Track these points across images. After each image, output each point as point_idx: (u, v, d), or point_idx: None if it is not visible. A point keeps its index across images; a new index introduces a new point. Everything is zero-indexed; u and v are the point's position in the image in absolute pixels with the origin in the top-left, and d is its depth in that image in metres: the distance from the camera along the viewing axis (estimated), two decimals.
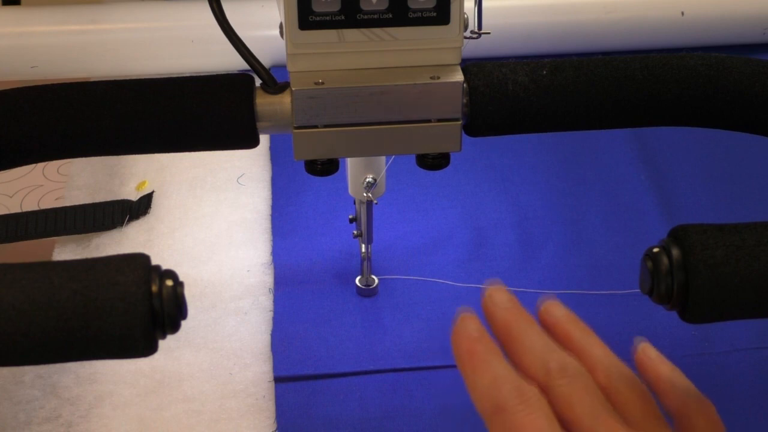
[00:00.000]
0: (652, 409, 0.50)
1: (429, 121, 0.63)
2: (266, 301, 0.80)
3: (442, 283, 0.81)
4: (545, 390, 0.49)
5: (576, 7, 1.06)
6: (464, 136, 0.64)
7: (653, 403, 0.50)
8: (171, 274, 0.52)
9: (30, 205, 1.12)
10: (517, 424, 0.47)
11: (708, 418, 0.50)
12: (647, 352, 0.53)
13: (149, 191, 0.90)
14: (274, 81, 0.62)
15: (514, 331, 0.51)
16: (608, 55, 0.65)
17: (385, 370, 0.75)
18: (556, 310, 0.53)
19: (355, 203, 0.77)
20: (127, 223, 0.86)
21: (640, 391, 0.51)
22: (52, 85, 0.61)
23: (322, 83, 0.61)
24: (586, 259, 0.84)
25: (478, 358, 0.49)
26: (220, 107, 0.61)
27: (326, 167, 0.65)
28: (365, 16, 0.59)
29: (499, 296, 0.53)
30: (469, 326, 0.51)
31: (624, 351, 0.75)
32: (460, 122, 0.63)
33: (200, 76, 0.62)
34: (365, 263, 0.80)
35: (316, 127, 0.62)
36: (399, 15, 0.60)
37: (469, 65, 0.63)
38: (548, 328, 0.53)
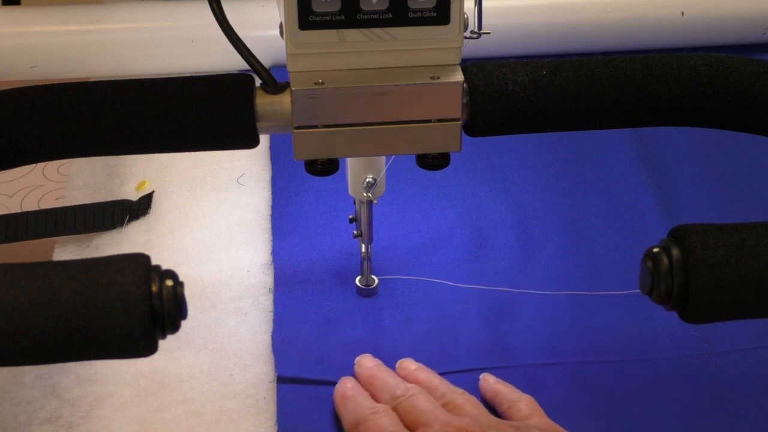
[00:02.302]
0: (475, 406, 0.68)
1: (429, 121, 0.63)
2: (266, 302, 0.80)
3: (442, 283, 0.81)
4: (395, 409, 0.67)
5: (576, 7, 1.06)
6: (464, 136, 0.64)
7: (478, 403, 0.68)
8: (171, 274, 0.52)
9: (30, 205, 1.11)
10: (370, 427, 0.65)
11: (527, 403, 0.68)
12: (484, 378, 0.72)
13: (149, 191, 0.90)
14: (274, 81, 0.62)
15: (374, 379, 0.70)
16: (608, 55, 0.65)
17: None
18: (409, 363, 0.73)
19: (355, 203, 0.77)
20: (127, 223, 0.86)
21: (468, 398, 0.68)
22: (52, 85, 0.61)
23: (322, 83, 0.61)
24: (586, 259, 0.84)
25: (347, 396, 0.69)
26: (220, 107, 0.61)
27: (326, 167, 0.65)
28: (365, 16, 0.59)
29: (365, 360, 0.73)
30: (345, 381, 0.71)
31: (624, 351, 0.76)
32: (460, 122, 0.63)
33: (200, 76, 0.62)
34: (365, 263, 0.80)
35: (316, 127, 0.62)
36: (399, 15, 0.60)
37: (469, 65, 0.63)
38: (403, 377, 0.71)
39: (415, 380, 0.71)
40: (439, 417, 0.65)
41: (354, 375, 0.72)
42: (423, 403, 0.67)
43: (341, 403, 0.69)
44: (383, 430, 0.65)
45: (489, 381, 0.71)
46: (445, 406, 0.68)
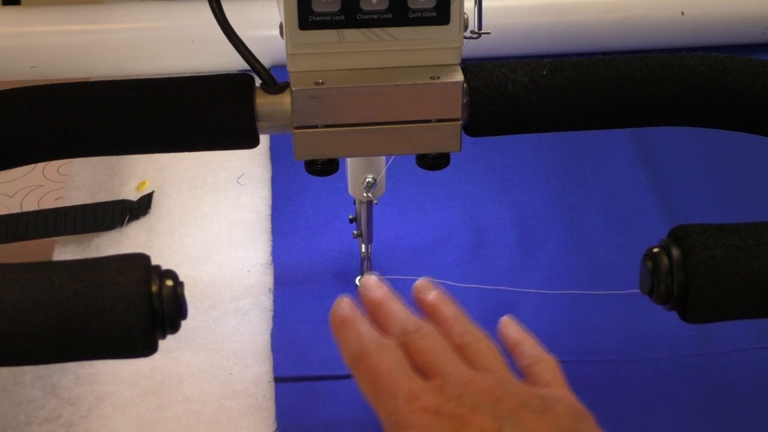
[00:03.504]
0: (497, 358, 0.59)
1: (429, 121, 0.63)
2: (266, 301, 0.80)
3: (442, 283, 0.81)
4: (403, 346, 0.57)
5: (576, 7, 1.06)
6: (464, 136, 0.64)
7: (499, 355, 0.59)
8: (171, 274, 0.52)
9: (30, 205, 1.12)
10: (373, 365, 0.56)
11: (549, 366, 0.60)
12: (507, 323, 0.63)
13: (149, 191, 0.90)
14: (274, 81, 0.62)
15: (382, 306, 0.61)
16: (608, 55, 0.65)
17: None
18: (427, 290, 0.63)
19: (355, 203, 0.77)
20: (127, 223, 0.86)
21: (488, 346, 0.59)
22: (52, 85, 0.61)
23: (322, 83, 0.61)
24: (586, 259, 0.84)
25: (348, 323, 0.59)
26: (220, 107, 0.61)
27: (326, 167, 0.65)
28: (365, 16, 0.60)
29: (370, 281, 0.63)
30: (343, 303, 0.60)
31: (624, 351, 0.76)
32: (460, 122, 0.63)
33: (200, 76, 0.62)
34: (365, 263, 0.80)
35: (316, 127, 0.62)
36: (399, 15, 0.60)
37: (469, 65, 0.63)
38: (419, 305, 0.62)
39: (430, 310, 0.63)
40: (457, 367, 0.57)
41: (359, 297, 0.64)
42: (438, 347, 0.58)
43: (340, 328, 0.60)
44: (390, 370, 0.56)
45: (511, 328, 0.63)
46: (461, 348, 0.59)
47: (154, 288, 0.50)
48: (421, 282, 0.64)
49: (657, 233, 0.58)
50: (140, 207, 0.88)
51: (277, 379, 0.73)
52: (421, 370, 0.57)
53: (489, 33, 0.65)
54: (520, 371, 0.61)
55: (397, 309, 0.61)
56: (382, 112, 0.62)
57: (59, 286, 0.49)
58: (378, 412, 0.56)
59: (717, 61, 0.64)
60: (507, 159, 0.94)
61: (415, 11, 0.60)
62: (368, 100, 0.61)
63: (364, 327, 0.59)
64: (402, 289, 0.80)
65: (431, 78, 0.61)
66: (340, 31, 0.60)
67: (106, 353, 0.51)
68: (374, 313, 0.62)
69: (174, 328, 0.52)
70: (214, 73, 0.63)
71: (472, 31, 0.64)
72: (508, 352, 0.62)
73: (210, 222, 0.87)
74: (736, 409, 0.72)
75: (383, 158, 0.73)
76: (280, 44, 0.61)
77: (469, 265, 0.83)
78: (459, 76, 0.62)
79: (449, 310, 0.62)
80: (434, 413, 0.53)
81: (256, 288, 0.81)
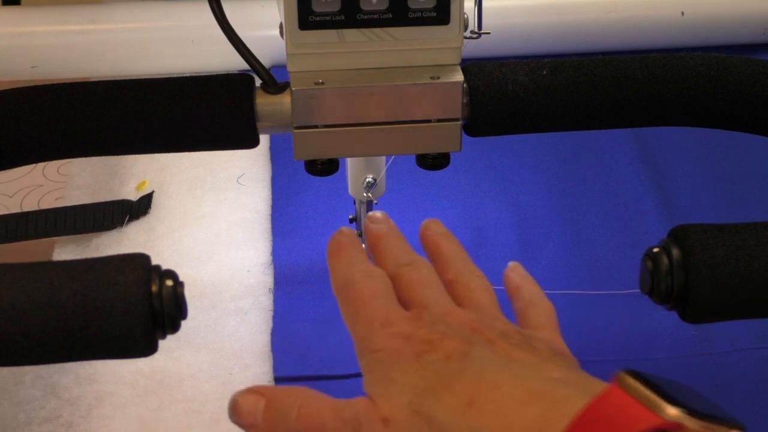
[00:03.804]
0: (489, 299, 0.58)
1: (429, 121, 0.63)
2: (266, 301, 0.80)
3: None
4: (393, 278, 0.57)
5: (576, 7, 1.06)
6: (464, 136, 0.64)
7: (493, 296, 0.58)
8: (171, 274, 0.52)
9: (30, 205, 1.12)
10: (358, 292, 0.55)
11: (544, 311, 0.59)
12: (512, 267, 0.62)
13: (149, 191, 0.90)
14: (274, 81, 0.62)
15: (381, 239, 0.61)
16: (608, 55, 0.65)
17: None
18: (435, 226, 0.63)
19: (355, 203, 0.77)
20: (127, 223, 0.86)
21: (481, 285, 0.58)
22: (52, 85, 0.61)
23: (322, 83, 0.61)
24: (586, 259, 0.84)
25: (342, 249, 0.59)
26: (220, 107, 0.61)
27: (326, 167, 0.65)
28: (365, 16, 0.59)
29: (377, 215, 0.63)
30: (343, 231, 0.60)
31: (624, 351, 0.76)
32: (460, 122, 0.63)
33: (200, 76, 0.62)
34: None
35: (316, 127, 0.62)
36: (399, 15, 0.60)
37: (469, 65, 0.63)
38: (422, 241, 0.62)
39: (433, 248, 0.62)
40: (438, 301, 0.56)
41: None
42: (426, 280, 0.58)
43: (334, 255, 0.60)
44: (373, 298, 0.55)
45: (515, 271, 0.62)
46: (453, 284, 0.59)
47: (154, 288, 0.50)
48: (428, 220, 0.64)
49: (657, 233, 0.58)
50: (140, 207, 0.88)
51: (277, 379, 0.73)
52: (406, 302, 0.56)
53: (489, 33, 0.65)
54: (515, 313, 0.60)
55: (396, 243, 0.61)
56: (382, 112, 0.62)
57: (59, 286, 0.49)
58: (353, 338, 0.55)
59: (717, 61, 0.63)
60: (507, 159, 0.94)
61: (415, 11, 0.60)
62: (368, 100, 0.61)
63: (356, 255, 0.58)
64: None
65: (431, 78, 0.61)
66: (340, 31, 0.60)
67: (106, 353, 0.51)
68: (374, 246, 0.61)
69: (174, 328, 0.52)
70: (214, 73, 0.63)
71: (472, 31, 0.64)
72: (509, 296, 0.62)
73: (210, 222, 0.87)
74: (736, 409, 0.71)
75: (383, 158, 0.73)
76: (280, 44, 0.61)
77: None
78: (459, 76, 0.62)
79: (450, 247, 0.61)
80: (404, 338, 0.52)
81: (256, 288, 0.81)
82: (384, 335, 0.53)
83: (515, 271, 0.62)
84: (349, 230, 0.61)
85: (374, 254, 0.61)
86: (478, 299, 0.58)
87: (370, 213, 0.64)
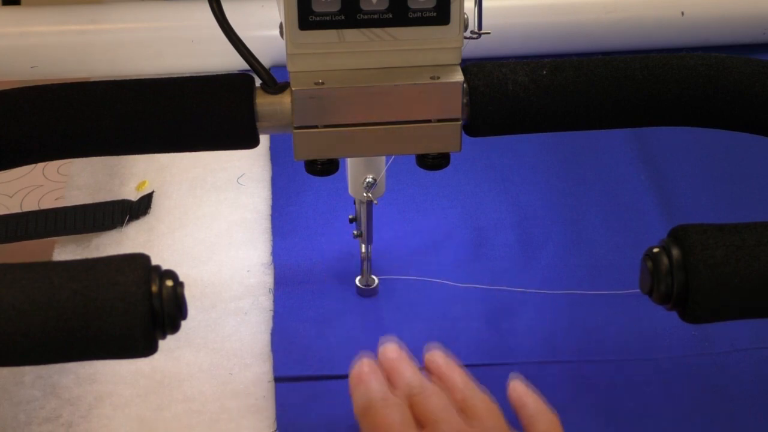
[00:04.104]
0: (497, 417, 0.64)
1: (429, 121, 0.63)
2: (266, 301, 0.80)
3: (442, 283, 0.81)
4: (409, 399, 0.64)
5: (576, 7, 1.06)
6: (464, 136, 0.64)
7: (500, 414, 0.64)
8: (171, 275, 0.52)
9: (30, 205, 1.12)
10: (378, 418, 0.62)
11: (548, 420, 0.64)
12: (514, 384, 0.66)
13: (149, 191, 0.90)
14: (274, 81, 0.62)
15: (395, 368, 0.67)
16: (608, 55, 0.65)
17: None
18: (437, 357, 0.69)
19: (355, 203, 0.77)
20: (127, 223, 0.86)
21: (490, 406, 0.65)
22: (52, 85, 0.61)
23: (322, 83, 0.61)
24: (586, 259, 0.84)
25: (362, 379, 0.65)
26: (220, 107, 0.61)
27: (326, 167, 0.65)
28: (365, 16, 0.59)
29: (389, 348, 0.69)
30: (363, 361, 0.67)
31: (624, 351, 0.76)
32: (460, 122, 0.63)
33: (200, 76, 0.62)
34: (365, 263, 0.80)
35: (316, 127, 0.62)
36: (399, 15, 0.60)
37: (469, 65, 0.63)
38: (427, 366, 0.69)
39: (438, 375, 0.68)
40: (449, 420, 0.63)
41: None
42: (437, 402, 0.64)
43: (356, 385, 0.66)
44: (391, 425, 0.62)
45: (517, 389, 0.67)
46: (462, 403, 0.65)
47: (154, 288, 0.50)
48: (431, 353, 0.70)
49: (657, 233, 0.58)
50: (140, 207, 0.88)
51: (277, 379, 0.73)
52: (421, 423, 0.63)
53: (489, 33, 0.65)
54: (522, 425, 0.64)
55: (407, 369, 0.67)
56: (382, 112, 0.62)
57: (59, 286, 0.49)
58: None
59: (717, 61, 0.63)
60: (507, 159, 0.94)
61: (415, 11, 0.60)
62: (368, 100, 0.61)
63: (376, 383, 0.65)
64: (402, 289, 0.81)
65: (431, 78, 0.61)
66: (340, 31, 0.60)
67: (106, 353, 0.51)
68: (388, 374, 0.67)
69: (174, 328, 0.52)
70: (214, 73, 0.63)
71: (472, 31, 0.64)
72: (514, 409, 0.66)
73: (210, 222, 0.87)
74: (736, 409, 0.72)
75: (383, 158, 0.73)
76: (280, 44, 0.61)
77: (469, 265, 0.83)
78: (459, 76, 0.62)
79: (456, 374, 0.68)
80: None
81: (256, 288, 0.81)
82: None
83: (515, 389, 0.67)
84: (368, 361, 0.67)
85: (390, 382, 0.67)
86: (485, 417, 0.64)
87: (384, 345, 0.69)
